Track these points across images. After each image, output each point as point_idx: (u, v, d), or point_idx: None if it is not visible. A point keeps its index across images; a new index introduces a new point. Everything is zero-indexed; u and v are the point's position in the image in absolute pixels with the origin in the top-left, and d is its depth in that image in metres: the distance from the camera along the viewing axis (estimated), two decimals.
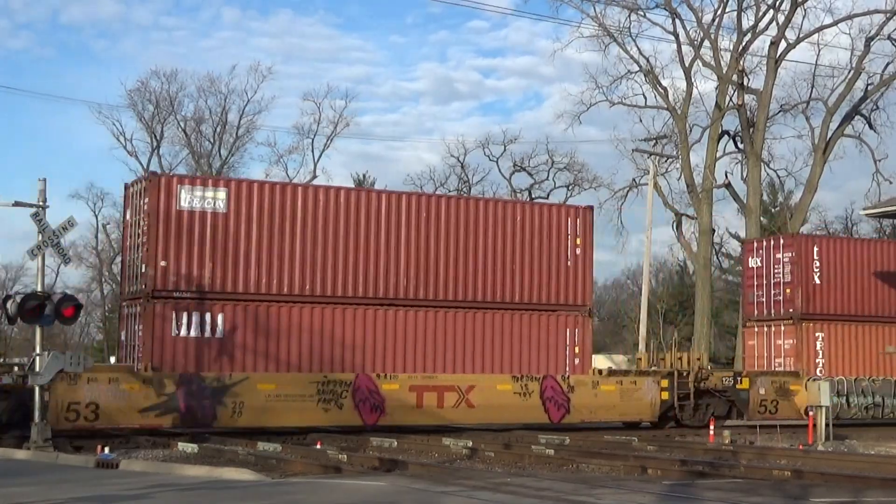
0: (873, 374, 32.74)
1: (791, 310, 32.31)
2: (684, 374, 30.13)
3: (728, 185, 50.97)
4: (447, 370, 27.04)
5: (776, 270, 32.84)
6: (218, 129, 63.21)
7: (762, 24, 49.25)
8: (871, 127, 50.36)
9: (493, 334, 27.63)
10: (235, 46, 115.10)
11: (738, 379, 30.94)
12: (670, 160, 53.93)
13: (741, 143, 50.25)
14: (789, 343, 32.33)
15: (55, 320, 21.34)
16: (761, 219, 52.21)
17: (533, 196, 63.41)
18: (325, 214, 26.19)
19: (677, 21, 49.61)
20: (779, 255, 32.86)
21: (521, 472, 18.71)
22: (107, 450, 19.54)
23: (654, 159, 51.89)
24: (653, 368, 31.38)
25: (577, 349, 28.42)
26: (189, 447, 21.45)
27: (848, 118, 49.55)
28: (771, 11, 48.72)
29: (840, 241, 34.63)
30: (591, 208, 30.28)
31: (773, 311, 32.88)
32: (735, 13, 49.16)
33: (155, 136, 62.88)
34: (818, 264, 32.47)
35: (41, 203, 21.58)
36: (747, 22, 49.23)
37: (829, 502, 15.37)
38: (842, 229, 66.40)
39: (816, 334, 32.27)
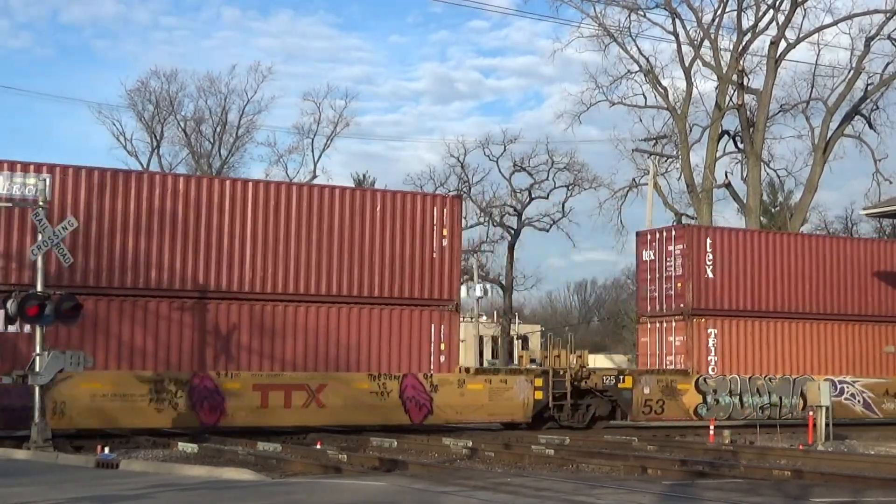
0: (770, 373, 31.24)
1: (682, 305, 30.55)
2: (561, 372, 28.74)
3: (728, 185, 50.97)
4: (297, 368, 25.50)
5: (668, 263, 31.09)
6: (218, 129, 63.21)
7: (762, 24, 49.25)
8: (871, 127, 50.37)
9: (350, 330, 26.18)
10: (235, 46, 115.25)
11: (621, 378, 29.59)
12: (670, 160, 53.93)
13: (741, 143, 50.25)
14: (680, 340, 30.63)
15: (55, 320, 21.34)
16: (761, 219, 52.20)
17: (533, 196, 63.36)
18: (162, 203, 24.56)
19: (677, 21, 49.62)
20: (671, 248, 31.10)
21: (521, 472, 18.71)
22: (107, 450, 19.56)
23: (654, 159, 51.88)
24: (526, 367, 30.28)
25: (442, 346, 26.99)
26: (189, 447, 21.47)
27: (848, 118, 49.54)
28: (771, 11, 48.70)
29: (735, 233, 32.59)
30: (459, 197, 29.04)
31: (664, 307, 31.16)
32: (735, 13, 49.17)
33: (155, 136, 62.88)
34: (711, 257, 30.72)
35: (41, 203, 21.58)
36: (747, 22, 49.26)
37: (829, 502, 15.37)
38: (842, 229, 66.40)
39: (708, 331, 30.55)
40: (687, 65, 49.79)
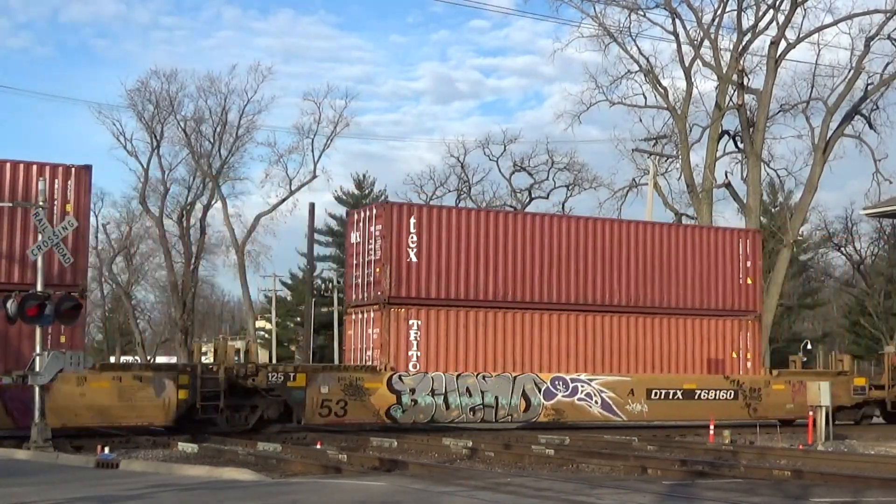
0: (487, 370, 27.85)
1: (379, 293, 27.14)
2: (213, 369, 25.35)
3: (728, 185, 50.95)
4: None
5: (370, 246, 27.62)
6: (218, 129, 63.05)
7: (762, 24, 49.21)
8: (871, 127, 50.28)
9: None
10: (235, 46, 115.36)
11: (291, 375, 26.14)
12: (670, 160, 53.90)
13: (741, 143, 50.22)
14: (377, 332, 27.21)
15: (55, 320, 21.36)
16: (761, 219, 52.17)
17: (533, 196, 63.36)
18: None
19: (677, 21, 49.57)
20: (372, 228, 27.59)
21: (521, 472, 18.73)
22: (107, 450, 19.57)
23: (654, 159, 51.86)
24: (169, 363, 27.36)
25: (62, 338, 23.63)
26: (189, 447, 21.49)
27: (848, 118, 49.49)
28: (771, 11, 48.68)
29: (444, 211, 28.80)
30: (88, 168, 24.71)
31: (365, 295, 27.75)
32: (735, 13, 49.12)
33: (155, 136, 62.76)
34: (415, 239, 27.17)
35: (41, 203, 21.59)
36: (747, 22, 49.23)
37: (829, 502, 15.38)
38: (842, 229, 66.43)
39: (410, 322, 27.04)
40: (687, 65, 49.79)
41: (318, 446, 22.45)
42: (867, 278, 67.67)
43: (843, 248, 68.23)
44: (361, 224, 28.36)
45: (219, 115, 62.78)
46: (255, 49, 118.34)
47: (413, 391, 27.13)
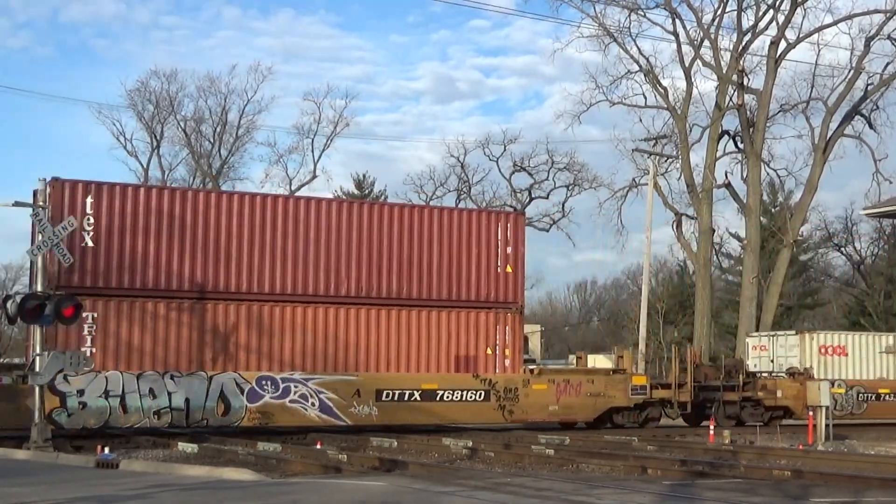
0: (180, 368, 24.81)
1: (47, 282, 23.20)
2: None
3: (728, 185, 50.99)
4: None
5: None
6: (218, 129, 63.22)
7: (762, 24, 49.36)
8: (871, 127, 50.37)
9: None
10: (236, 46, 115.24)
11: None
12: (670, 160, 53.96)
13: (741, 142, 50.28)
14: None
15: (55, 320, 21.35)
16: (761, 219, 52.20)
17: (533, 196, 63.30)
18: None
19: (677, 21, 49.71)
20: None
21: (521, 472, 18.72)
22: (107, 450, 19.57)
23: (654, 159, 51.89)
24: None
25: None
26: (189, 447, 21.49)
27: (848, 118, 49.56)
28: (771, 11, 48.79)
29: (132, 190, 25.37)
30: None
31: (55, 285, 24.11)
32: (735, 13, 49.26)
33: (155, 136, 62.92)
34: (92, 221, 24.31)
35: (41, 203, 21.59)
36: (747, 22, 49.34)
37: (829, 502, 15.37)
38: (842, 229, 66.40)
39: (86, 314, 23.83)
40: (687, 65, 49.87)
41: (318, 446, 22.46)
42: (867, 278, 67.63)
43: (843, 248, 68.24)
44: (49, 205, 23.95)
45: (219, 115, 62.96)
46: (255, 49, 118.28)
47: (82, 393, 23.87)
